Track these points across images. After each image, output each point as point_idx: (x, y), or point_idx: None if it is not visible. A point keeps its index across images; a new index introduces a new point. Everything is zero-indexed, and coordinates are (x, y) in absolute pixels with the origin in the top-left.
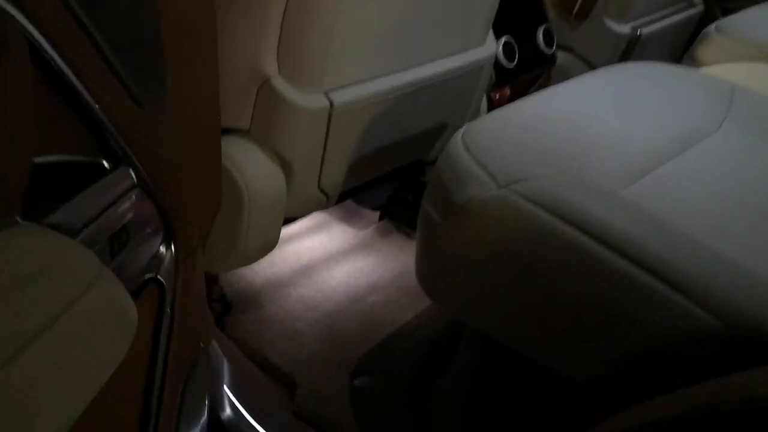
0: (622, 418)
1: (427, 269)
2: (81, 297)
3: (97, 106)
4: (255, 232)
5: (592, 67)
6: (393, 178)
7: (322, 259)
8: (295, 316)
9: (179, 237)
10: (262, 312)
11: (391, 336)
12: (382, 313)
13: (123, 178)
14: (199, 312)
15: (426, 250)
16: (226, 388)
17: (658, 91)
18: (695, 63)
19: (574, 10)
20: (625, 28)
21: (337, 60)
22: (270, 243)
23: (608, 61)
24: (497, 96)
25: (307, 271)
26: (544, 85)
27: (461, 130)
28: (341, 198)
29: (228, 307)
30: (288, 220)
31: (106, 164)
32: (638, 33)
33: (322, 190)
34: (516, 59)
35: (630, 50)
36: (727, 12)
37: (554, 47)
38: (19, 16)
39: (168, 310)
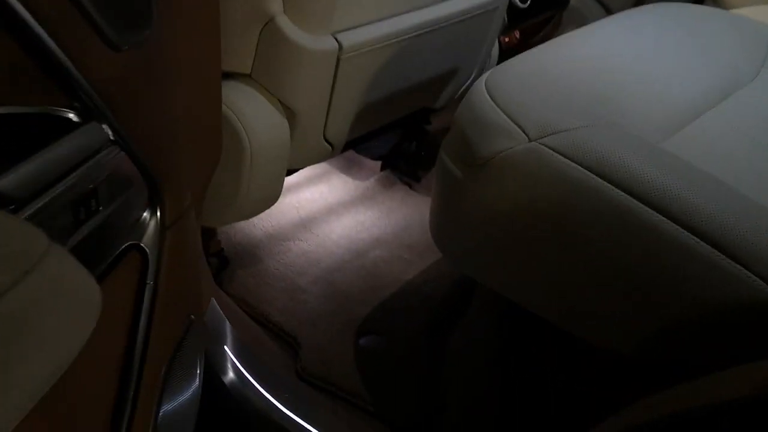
0: (670, 395)
1: (445, 228)
2: (18, 283)
3: (56, 47)
4: (257, 185)
5: (606, 8)
6: (397, 126)
7: (322, 211)
8: (296, 271)
9: (166, 200)
10: (260, 267)
11: (396, 293)
12: (385, 269)
13: (93, 135)
14: (191, 281)
15: (444, 207)
16: (227, 350)
17: (690, 35)
18: (722, 4)
19: None
20: None
21: None
22: (272, 196)
23: (623, 3)
24: (507, 39)
25: (306, 223)
26: (554, 29)
27: (484, 77)
28: (344, 148)
29: (225, 263)
30: (288, 172)
31: (75, 119)
32: None
33: (327, 140)
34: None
35: None
36: None
37: None
38: None
39: (150, 282)
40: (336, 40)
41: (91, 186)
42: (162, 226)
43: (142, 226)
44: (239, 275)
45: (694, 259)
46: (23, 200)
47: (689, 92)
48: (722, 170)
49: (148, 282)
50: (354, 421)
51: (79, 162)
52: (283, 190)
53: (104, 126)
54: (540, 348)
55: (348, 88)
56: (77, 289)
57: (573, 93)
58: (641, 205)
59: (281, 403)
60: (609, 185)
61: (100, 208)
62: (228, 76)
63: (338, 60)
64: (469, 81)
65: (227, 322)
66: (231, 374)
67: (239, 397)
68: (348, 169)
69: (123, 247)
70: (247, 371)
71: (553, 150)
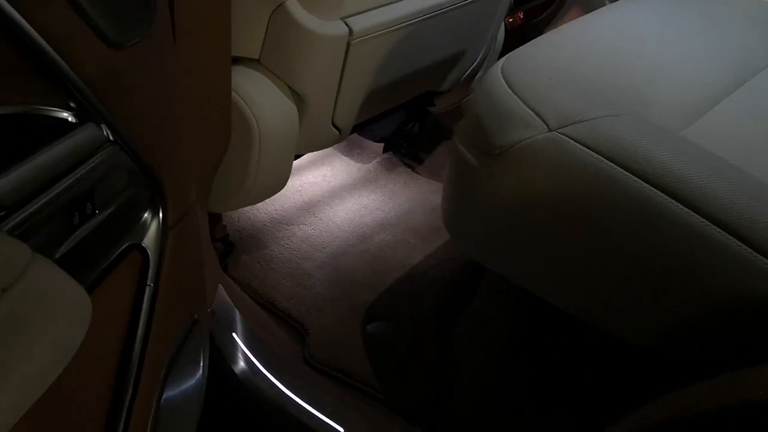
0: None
1: (459, 215)
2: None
3: (48, 46)
4: (265, 171)
5: None
6: (401, 109)
7: (325, 194)
8: (301, 256)
9: (169, 199)
10: (265, 252)
11: (401, 278)
12: (390, 253)
13: (89, 136)
14: (194, 282)
15: (458, 195)
16: (236, 337)
17: (703, 18)
18: None
19: None
20: None
21: None
22: (280, 182)
23: None
24: (510, 20)
25: (310, 207)
26: (558, 9)
27: (499, 63)
28: (350, 132)
29: (230, 248)
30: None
31: (71, 119)
32: None
33: (335, 125)
34: None
35: None
36: None
37: None
38: None
39: (151, 284)
40: (346, 24)
41: (89, 188)
42: (164, 226)
43: (143, 226)
44: (244, 260)
45: (718, 251)
46: (12, 207)
47: (706, 79)
48: (744, 160)
49: (148, 284)
50: (362, 407)
51: (74, 164)
52: None
53: (102, 126)
54: (552, 338)
55: (357, 73)
56: (64, 300)
57: (591, 81)
58: (666, 197)
59: (291, 390)
60: (633, 177)
61: (97, 211)
62: (236, 60)
63: (348, 45)
64: (475, 63)
65: (236, 310)
66: (241, 362)
67: (249, 384)
68: (350, 151)
69: (123, 247)
70: (256, 358)
71: (575, 140)
